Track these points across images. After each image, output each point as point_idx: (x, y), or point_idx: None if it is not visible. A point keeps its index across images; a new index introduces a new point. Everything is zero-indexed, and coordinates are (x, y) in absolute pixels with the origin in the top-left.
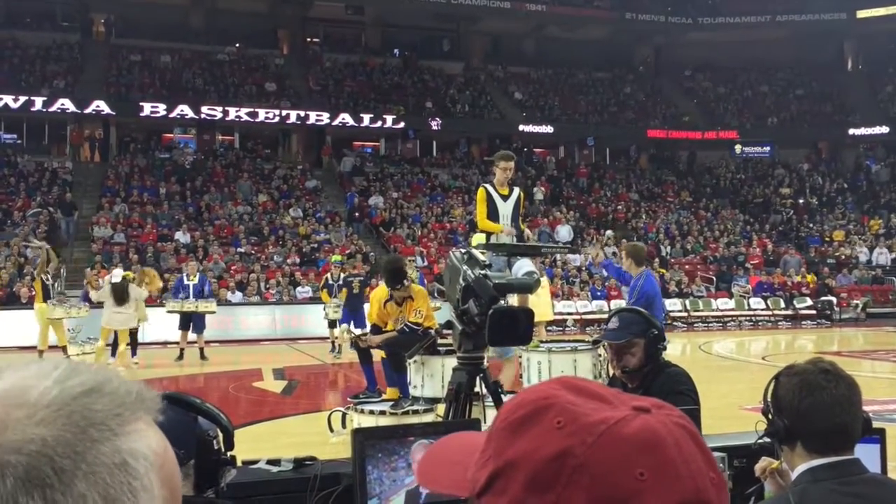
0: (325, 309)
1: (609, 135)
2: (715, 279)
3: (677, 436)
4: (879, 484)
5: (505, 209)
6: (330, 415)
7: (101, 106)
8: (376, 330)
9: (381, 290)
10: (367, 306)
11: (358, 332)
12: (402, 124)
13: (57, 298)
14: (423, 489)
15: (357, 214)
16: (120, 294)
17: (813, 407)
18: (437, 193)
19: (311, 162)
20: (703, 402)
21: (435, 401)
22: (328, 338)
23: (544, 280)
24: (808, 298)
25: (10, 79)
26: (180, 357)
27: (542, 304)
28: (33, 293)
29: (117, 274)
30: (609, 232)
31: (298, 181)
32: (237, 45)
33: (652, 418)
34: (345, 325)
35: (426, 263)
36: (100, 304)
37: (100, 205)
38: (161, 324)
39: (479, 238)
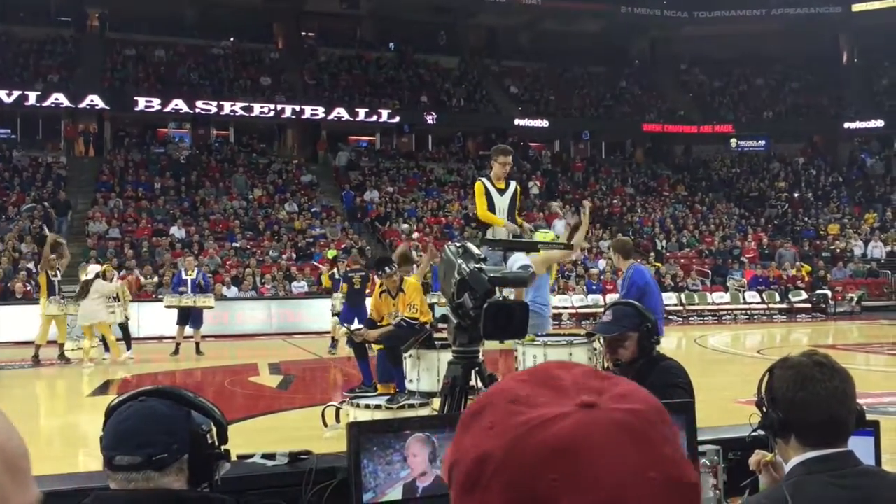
0: (332, 303)
1: (604, 129)
2: (710, 273)
3: (610, 435)
4: (873, 476)
5: (501, 203)
6: (324, 410)
7: (95, 100)
8: (371, 324)
9: (379, 284)
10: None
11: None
12: (397, 118)
13: (60, 295)
14: (420, 483)
15: (359, 215)
16: (82, 290)
17: (807, 400)
18: (433, 188)
19: (306, 156)
20: (697, 396)
21: (431, 395)
22: (329, 332)
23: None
24: (803, 292)
25: (4, 73)
26: (176, 352)
27: None
28: (28, 288)
29: (91, 270)
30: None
31: (293, 176)
32: (232, 39)
33: (590, 415)
34: (335, 319)
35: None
36: None
37: (94, 200)
38: (157, 318)
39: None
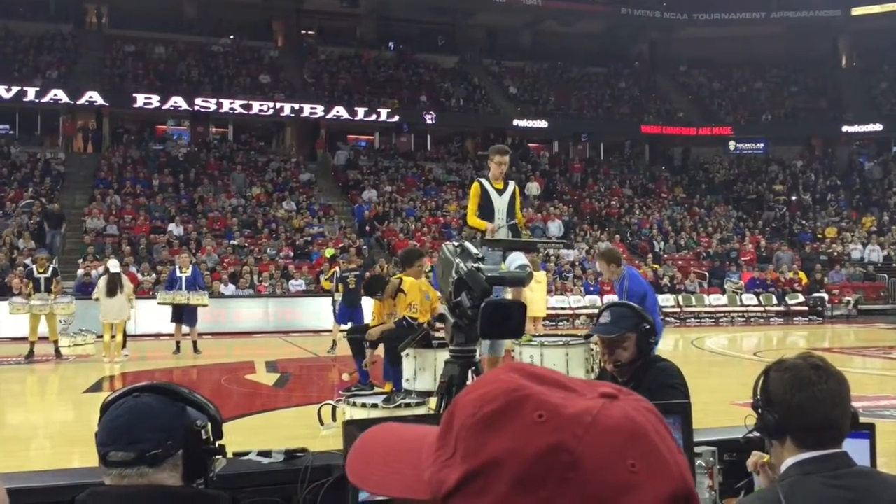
0: (333, 303)
1: (603, 130)
2: (708, 275)
3: (653, 422)
4: (867, 476)
5: (500, 203)
6: (320, 408)
7: (94, 97)
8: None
9: None
10: (364, 301)
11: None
12: (396, 118)
13: (38, 296)
14: None
15: (368, 228)
16: (112, 285)
17: (803, 402)
18: (431, 187)
19: (304, 155)
20: (694, 397)
21: (427, 394)
22: (331, 331)
23: (542, 276)
24: (800, 295)
25: (3, 69)
26: (177, 350)
27: (537, 299)
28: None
29: (114, 265)
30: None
31: (292, 174)
32: (231, 36)
33: (624, 405)
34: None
35: None
36: (87, 295)
37: (92, 196)
38: (153, 316)
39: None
